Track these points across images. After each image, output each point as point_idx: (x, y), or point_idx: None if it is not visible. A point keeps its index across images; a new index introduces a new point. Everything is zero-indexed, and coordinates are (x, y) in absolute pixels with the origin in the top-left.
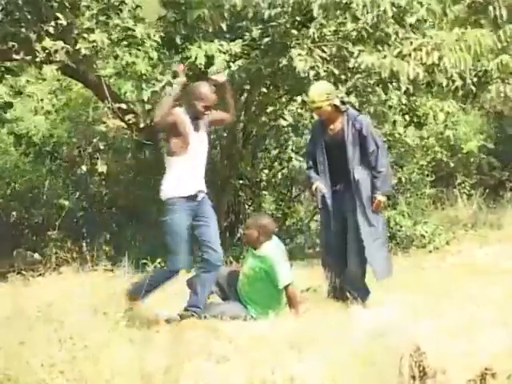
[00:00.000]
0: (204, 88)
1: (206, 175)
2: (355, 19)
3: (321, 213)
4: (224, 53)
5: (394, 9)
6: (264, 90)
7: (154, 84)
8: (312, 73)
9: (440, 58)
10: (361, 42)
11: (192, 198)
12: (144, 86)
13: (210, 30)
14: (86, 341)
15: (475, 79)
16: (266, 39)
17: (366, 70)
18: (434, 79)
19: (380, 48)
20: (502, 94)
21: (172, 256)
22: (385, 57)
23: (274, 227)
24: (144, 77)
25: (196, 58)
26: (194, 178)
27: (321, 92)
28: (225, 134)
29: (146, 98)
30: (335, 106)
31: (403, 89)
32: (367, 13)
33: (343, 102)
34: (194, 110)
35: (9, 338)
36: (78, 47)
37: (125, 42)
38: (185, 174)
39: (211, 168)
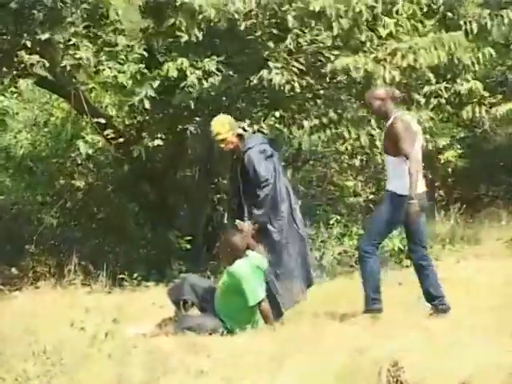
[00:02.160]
0: None
1: (182, 190)
2: (329, 27)
3: None
4: (198, 69)
5: (370, 11)
6: (239, 105)
7: (131, 98)
8: (287, 87)
9: (415, 60)
10: (337, 49)
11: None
12: (124, 100)
13: (185, 39)
14: (62, 356)
15: (450, 99)
16: (242, 57)
17: (343, 72)
18: (412, 96)
19: (356, 54)
20: (478, 115)
21: None
22: (360, 59)
23: (243, 245)
24: (124, 90)
25: (168, 70)
26: None
27: (223, 123)
28: (197, 149)
29: (124, 113)
30: (239, 135)
31: None
32: (341, 18)
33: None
34: None
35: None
36: (63, 64)
37: (106, 56)
38: None
39: (189, 184)
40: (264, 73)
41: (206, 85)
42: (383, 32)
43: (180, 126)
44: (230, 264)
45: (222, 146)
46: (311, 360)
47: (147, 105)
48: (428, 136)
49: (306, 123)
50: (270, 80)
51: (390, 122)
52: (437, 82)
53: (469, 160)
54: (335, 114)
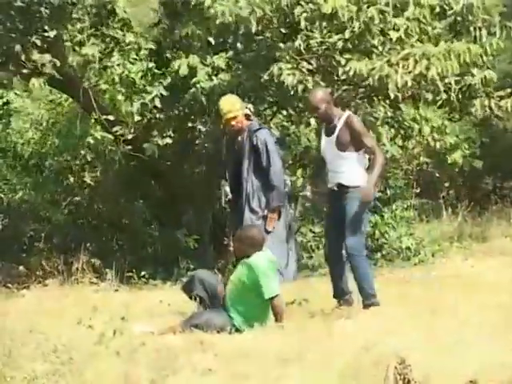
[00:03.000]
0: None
1: (189, 189)
2: (341, 30)
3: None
4: (207, 65)
5: (381, 16)
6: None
7: (143, 96)
8: (300, 87)
9: (428, 68)
10: (348, 52)
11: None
12: (135, 97)
13: (198, 44)
14: (70, 354)
15: (460, 94)
16: (251, 53)
17: (355, 76)
18: (420, 93)
19: (367, 57)
20: (487, 108)
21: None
22: (374, 63)
23: (262, 238)
24: (134, 87)
25: (179, 68)
26: None
27: (234, 101)
28: (207, 145)
29: (135, 110)
30: (246, 115)
31: (392, 96)
32: (353, 21)
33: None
34: None
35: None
36: (69, 60)
37: (115, 53)
38: None
39: (196, 182)
40: (275, 69)
41: (216, 81)
42: (394, 35)
43: (190, 124)
44: (247, 257)
45: (233, 123)
46: (318, 358)
47: (158, 103)
48: (435, 135)
49: (313, 121)
50: (280, 76)
51: (343, 120)
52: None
53: (478, 160)
54: None
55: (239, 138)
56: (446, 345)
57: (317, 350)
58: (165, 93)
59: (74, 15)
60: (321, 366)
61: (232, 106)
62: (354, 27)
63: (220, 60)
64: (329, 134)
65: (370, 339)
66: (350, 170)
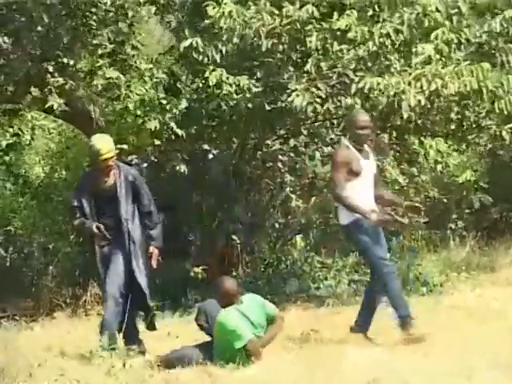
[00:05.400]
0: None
1: (197, 219)
2: (354, 48)
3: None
4: (230, 85)
5: (398, 36)
6: (258, 131)
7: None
8: (310, 108)
9: (443, 86)
10: (360, 71)
11: None
12: (151, 116)
13: (205, 60)
14: None
15: (473, 120)
16: (270, 78)
17: (370, 92)
18: (430, 119)
19: (381, 76)
20: (498, 137)
21: None
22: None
23: (234, 291)
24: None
25: (207, 78)
26: None
27: (109, 140)
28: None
29: (152, 128)
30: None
31: (405, 116)
32: (366, 41)
33: None
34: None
35: None
36: (94, 83)
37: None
38: None
39: (205, 211)
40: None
41: (239, 96)
42: (415, 59)
43: (205, 146)
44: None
45: (111, 163)
46: None
47: (174, 125)
48: (440, 158)
49: (317, 154)
50: (293, 105)
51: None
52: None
53: (487, 190)
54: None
55: (105, 179)
56: (457, 376)
57: (328, 379)
58: (173, 124)
59: (95, 41)
60: None
61: (111, 145)
62: (368, 46)
63: (242, 79)
64: (367, 157)
65: (380, 370)
66: None
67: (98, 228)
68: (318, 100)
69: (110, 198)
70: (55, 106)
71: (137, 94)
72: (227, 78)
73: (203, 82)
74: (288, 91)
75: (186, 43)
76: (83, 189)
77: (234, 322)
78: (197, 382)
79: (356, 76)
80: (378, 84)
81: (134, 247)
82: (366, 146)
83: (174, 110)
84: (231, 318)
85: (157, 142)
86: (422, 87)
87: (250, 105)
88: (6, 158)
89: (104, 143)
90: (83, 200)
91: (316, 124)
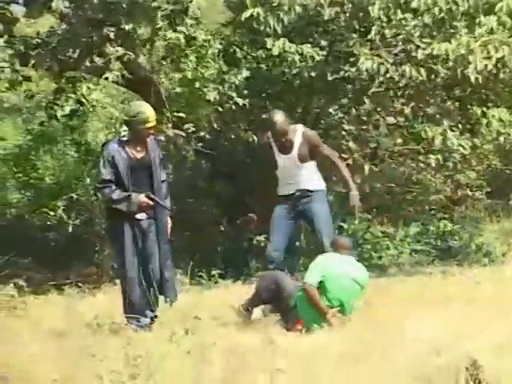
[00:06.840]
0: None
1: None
2: (418, 15)
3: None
4: (293, 53)
5: (464, 2)
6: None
7: (218, 87)
8: (382, 69)
9: (510, 54)
10: (426, 38)
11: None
12: (211, 86)
13: (267, 29)
14: (142, 352)
15: None
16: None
17: (437, 58)
18: (494, 89)
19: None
20: None
21: None
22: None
23: (347, 246)
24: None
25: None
26: None
27: (151, 109)
28: None
29: (212, 99)
30: None
31: (473, 78)
32: (429, 10)
33: None
34: None
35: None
36: (155, 45)
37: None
38: None
39: (262, 179)
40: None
41: (302, 64)
42: (479, 29)
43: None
44: None
45: (152, 133)
46: (388, 359)
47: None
48: (502, 129)
49: (381, 123)
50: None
51: (299, 132)
52: None
53: None
54: (411, 111)
55: (138, 149)
56: None
57: (385, 352)
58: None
59: (154, 3)
60: (391, 367)
61: (153, 113)
62: (434, 12)
63: (306, 48)
64: (285, 150)
65: (440, 341)
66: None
67: (148, 197)
68: (389, 59)
69: (144, 168)
70: (112, 78)
71: (195, 65)
72: (289, 47)
73: (266, 51)
74: (352, 59)
75: (248, 13)
76: (117, 159)
77: (318, 260)
78: (257, 351)
79: (422, 42)
80: (446, 49)
81: (162, 221)
82: None
83: (233, 80)
84: (322, 257)
85: (218, 110)
86: (488, 53)
87: (312, 73)
88: (70, 123)
89: (151, 110)
90: (120, 172)
91: (380, 92)
